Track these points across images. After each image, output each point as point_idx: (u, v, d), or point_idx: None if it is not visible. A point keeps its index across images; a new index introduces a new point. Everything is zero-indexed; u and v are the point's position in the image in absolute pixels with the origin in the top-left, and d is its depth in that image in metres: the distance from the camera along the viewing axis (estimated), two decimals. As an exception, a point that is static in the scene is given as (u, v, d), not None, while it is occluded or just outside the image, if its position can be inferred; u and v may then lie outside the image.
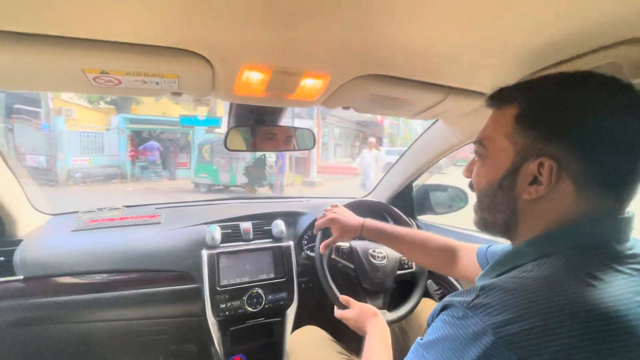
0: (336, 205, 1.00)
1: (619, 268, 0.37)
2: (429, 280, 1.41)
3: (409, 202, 1.58)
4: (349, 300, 0.89)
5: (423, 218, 1.58)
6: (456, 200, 1.58)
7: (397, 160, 1.48)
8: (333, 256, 1.05)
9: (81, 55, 0.51)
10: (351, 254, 1.06)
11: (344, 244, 1.09)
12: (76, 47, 0.50)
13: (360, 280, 1.02)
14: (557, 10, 0.46)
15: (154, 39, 0.51)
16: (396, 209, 1.20)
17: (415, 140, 1.35)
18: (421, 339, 0.43)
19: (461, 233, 1.35)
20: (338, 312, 0.88)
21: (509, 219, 0.47)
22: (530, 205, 0.44)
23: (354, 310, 0.85)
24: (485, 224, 0.51)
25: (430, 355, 0.39)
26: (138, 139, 10.39)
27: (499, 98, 0.48)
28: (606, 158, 0.39)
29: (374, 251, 1.06)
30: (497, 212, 0.48)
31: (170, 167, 10.65)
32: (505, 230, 0.49)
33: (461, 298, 0.39)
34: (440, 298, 1.36)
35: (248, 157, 8.36)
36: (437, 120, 1.19)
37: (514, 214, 0.46)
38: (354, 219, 0.94)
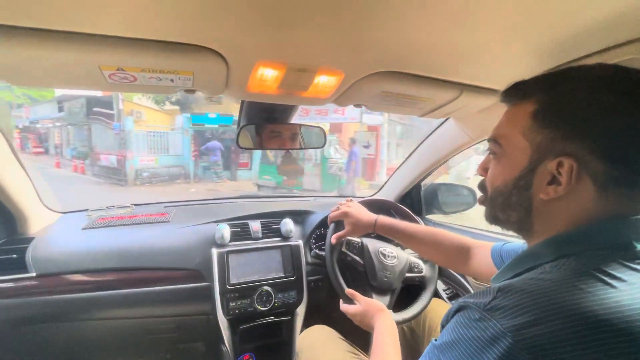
0: (351, 200, 1.00)
1: None
2: (439, 280, 1.40)
3: (417, 201, 1.57)
4: (355, 294, 0.88)
5: (432, 217, 1.57)
6: (465, 199, 1.57)
7: (406, 159, 1.47)
8: (343, 249, 1.05)
9: (99, 52, 0.51)
10: (362, 249, 1.06)
11: (356, 239, 1.08)
12: (94, 43, 0.50)
13: (368, 276, 1.01)
14: (576, 4, 0.45)
15: (171, 35, 0.51)
16: (405, 208, 1.20)
17: (425, 138, 1.34)
18: (435, 340, 0.42)
19: (471, 232, 1.34)
20: (343, 306, 0.87)
21: (523, 218, 0.45)
22: (546, 205, 0.43)
23: (360, 305, 0.84)
24: (496, 219, 0.50)
25: (446, 358, 0.38)
26: (201, 139, 10.20)
27: (515, 93, 0.47)
28: (628, 158, 0.38)
29: (384, 250, 1.06)
30: (511, 211, 0.47)
31: (231, 168, 10.31)
32: (519, 228, 0.48)
33: (477, 300, 0.38)
34: (450, 298, 1.35)
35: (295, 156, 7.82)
36: (446, 119, 1.18)
37: (529, 214, 0.45)
38: (367, 214, 0.94)
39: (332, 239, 0.97)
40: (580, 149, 0.39)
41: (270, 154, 7.65)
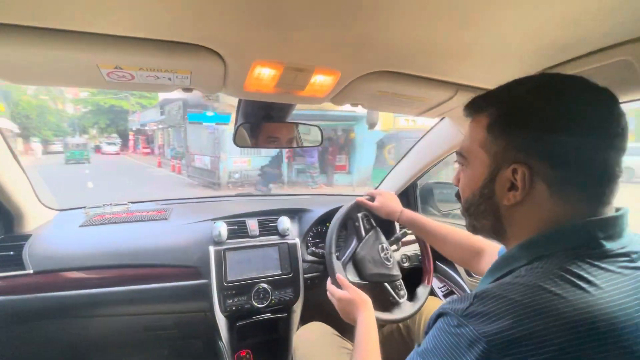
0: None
1: (610, 268, 0.37)
2: (434, 278, 1.42)
3: (413, 199, 1.58)
4: (344, 282, 0.88)
5: (428, 217, 1.58)
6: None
7: (402, 158, 1.48)
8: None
9: (97, 51, 0.52)
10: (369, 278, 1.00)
11: (367, 225, 1.05)
12: (92, 42, 0.50)
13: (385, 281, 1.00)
14: (569, 8, 0.46)
15: (169, 35, 0.52)
16: None
17: (420, 138, 1.35)
18: (418, 346, 0.44)
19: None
20: (331, 287, 0.88)
21: (495, 224, 0.48)
22: (512, 210, 0.45)
23: (347, 293, 0.84)
24: (474, 228, 0.52)
25: None
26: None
27: (472, 107, 0.49)
28: (576, 162, 0.40)
29: (385, 254, 1.02)
30: (483, 219, 0.49)
31: (327, 171, 9.47)
32: (495, 234, 0.50)
33: (455, 306, 0.40)
34: (445, 295, 1.36)
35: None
36: (442, 118, 1.19)
37: (499, 220, 0.47)
38: (396, 202, 1.01)
39: (358, 199, 1.02)
40: (529, 156, 0.41)
41: (389, 155, 6.89)
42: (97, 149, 24.76)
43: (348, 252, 1.03)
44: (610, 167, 0.40)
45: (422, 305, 1.02)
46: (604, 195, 0.41)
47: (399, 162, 1.52)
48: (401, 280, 1.04)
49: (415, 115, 1.00)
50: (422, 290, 1.04)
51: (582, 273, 0.37)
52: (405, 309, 0.99)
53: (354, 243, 1.01)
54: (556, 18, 0.49)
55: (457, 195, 0.55)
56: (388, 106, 0.89)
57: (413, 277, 1.10)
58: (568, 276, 0.36)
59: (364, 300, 0.81)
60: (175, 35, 0.52)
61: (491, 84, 0.78)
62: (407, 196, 1.57)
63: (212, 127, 9.26)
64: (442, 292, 1.37)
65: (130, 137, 23.92)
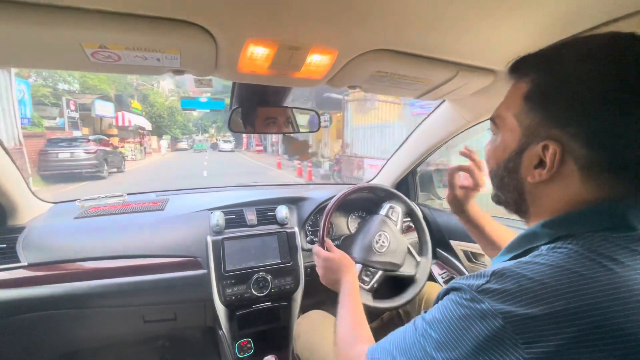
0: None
1: None
2: (434, 264, 1.41)
3: (413, 186, 1.57)
4: (331, 246, 0.89)
5: (429, 203, 1.57)
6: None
7: (402, 144, 1.46)
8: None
9: (79, 27, 0.49)
10: (370, 268, 0.99)
11: (359, 268, 0.99)
12: (74, 17, 0.47)
13: (391, 269, 1.00)
14: None
15: (155, 9, 0.49)
16: (400, 194, 1.19)
17: (420, 123, 1.33)
18: (424, 312, 0.43)
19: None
20: (317, 248, 0.89)
21: (518, 199, 0.46)
22: (536, 188, 0.42)
23: (333, 254, 0.84)
24: (498, 200, 0.50)
25: (435, 332, 0.39)
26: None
27: (516, 70, 0.45)
28: (611, 145, 0.36)
29: (376, 243, 1.01)
30: (507, 192, 0.47)
31: None
32: (517, 210, 0.48)
33: (470, 282, 0.38)
34: (446, 282, 1.36)
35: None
36: (442, 102, 1.17)
37: (522, 196, 0.45)
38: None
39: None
40: (564, 134, 0.38)
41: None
42: (214, 147, 27.30)
43: (341, 235, 1.04)
44: None
45: (420, 290, 1.01)
46: (638, 181, 0.37)
47: (397, 149, 1.49)
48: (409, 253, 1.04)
49: (415, 98, 0.97)
50: (420, 272, 1.04)
51: (612, 254, 0.34)
52: (404, 294, 0.99)
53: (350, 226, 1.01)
54: None
55: (488, 162, 0.51)
56: (387, 88, 0.86)
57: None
58: (596, 257, 0.34)
59: (351, 263, 0.81)
60: (162, 10, 0.49)
61: (492, 64, 0.76)
62: (407, 183, 1.56)
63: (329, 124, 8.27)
64: (443, 278, 1.37)
65: (243, 135, 24.46)
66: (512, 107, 0.44)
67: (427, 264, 1.05)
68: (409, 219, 1.14)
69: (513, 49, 0.66)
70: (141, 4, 0.47)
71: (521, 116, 0.42)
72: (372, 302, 0.93)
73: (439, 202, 1.57)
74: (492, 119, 0.48)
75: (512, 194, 0.46)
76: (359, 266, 0.98)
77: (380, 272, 0.98)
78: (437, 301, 0.43)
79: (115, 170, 10.40)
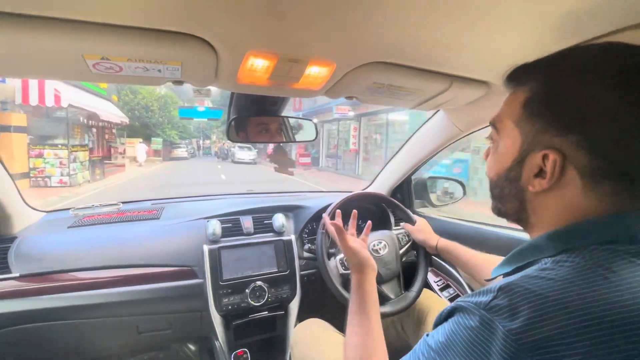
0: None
1: None
2: (429, 272, 1.42)
3: (408, 194, 1.58)
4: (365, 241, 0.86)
5: (423, 210, 1.59)
6: (454, 192, 1.59)
7: (397, 152, 1.48)
8: (342, 271, 1.02)
9: (82, 40, 0.49)
10: None
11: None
12: (77, 30, 0.48)
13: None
14: None
15: (158, 23, 0.50)
16: (396, 201, 1.20)
17: (415, 132, 1.35)
18: (428, 336, 0.41)
19: (460, 224, 1.36)
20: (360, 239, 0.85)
21: (519, 210, 0.45)
22: (537, 197, 0.42)
23: (364, 248, 0.79)
24: (499, 211, 0.49)
25: None
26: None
27: (515, 78, 0.45)
28: (616, 154, 0.36)
29: (374, 246, 1.06)
30: (508, 203, 0.46)
31: None
32: (518, 220, 0.47)
33: (476, 299, 0.37)
34: (441, 289, 1.37)
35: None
36: (437, 112, 1.19)
37: (523, 206, 0.44)
38: (433, 236, 1.06)
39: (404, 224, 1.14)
40: (566, 143, 0.37)
41: None
42: (222, 156, 20.16)
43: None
44: None
45: (417, 297, 1.03)
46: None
47: (392, 157, 1.51)
48: (397, 278, 1.05)
49: (410, 108, 1.00)
50: (416, 283, 1.06)
51: (617, 269, 0.34)
52: (398, 301, 1.00)
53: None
54: (551, 3, 0.47)
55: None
56: (383, 98, 0.88)
57: (407, 270, 1.10)
58: (602, 271, 0.34)
59: (374, 266, 0.76)
60: (165, 23, 0.50)
61: (485, 76, 0.79)
62: (402, 191, 1.57)
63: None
64: (438, 285, 1.37)
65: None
66: (511, 114, 0.44)
67: (408, 299, 1.01)
68: (414, 251, 1.15)
69: (505, 62, 0.68)
70: (144, 18, 0.48)
71: (521, 123, 0.42)
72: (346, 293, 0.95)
73: (434, 210, 1.59)
74: (493, 123, 0.47)
75: (512, 204, 0.45)
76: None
77: None
78: (440, 321, 0.41)
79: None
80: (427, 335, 0.41)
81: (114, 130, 12.31)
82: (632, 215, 0.37)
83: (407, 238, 1.12)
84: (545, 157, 0.39)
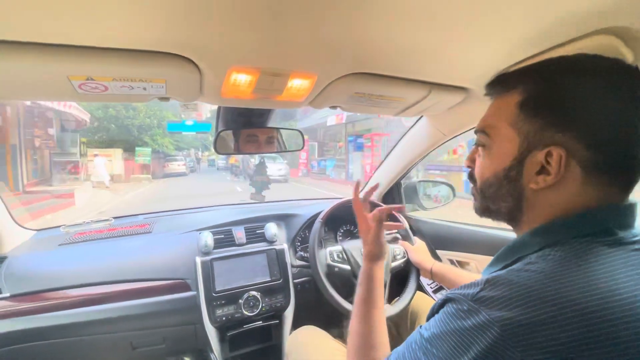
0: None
1: (625, 255, 0.37)
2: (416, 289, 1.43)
3: (398, 199, 1.60)
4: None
5: (414, 214, 1.61)
6: (444, 194, 1.61)
7: (385, 158, 1.50)
8: (328, 261, 1.08)
9: (67, 62, 0.51)
10: (346, 256, 1.09)
11: (337, 247, 1.11)
12: (62, 54, 0.49)
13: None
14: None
15: (141, 44, 0.52)
16: (396, 214, 1.22)
17: (402, 137, 1.38)
18: (421, 327, 0.43)
19: (451, 226, 1.38)
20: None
21: (514, 208, 0.46)
22: (537, 194, 0.43)
23: (380, 237, 0.76)
24: (486, 210, 0.50)
25: (435, 349, 0.39)
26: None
27: (500, 85, 0.47)
28: (614, 146, 0.38)
29: None
30: (501, 202, 0.47)
31: None
32: (509, 219, 0.48)
33: (465, 291, 0.39)
34: (435, 291, 1.38)
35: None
36: (420, 117, 1.22)
37: (519, 204, 0.45)
38: (429, 259, 1.06)
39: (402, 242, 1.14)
40: (568, 138, 0.39)
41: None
42: (234, 171, 14.61)
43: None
44: None
45: (410, 301, 1.04)
46: (630, 182, 0.40)
47: (381, 162, 1.54)
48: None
49: (393, 116, 1.02)
50: (409, 285, 1.07)
51: (597, 259, 0.36)
52: (392, 307, 1.01)
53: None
54: (525, 13, 0.49)
55: (470, 177, 0.52)
56: (366, 107, 0.90)
57: (399, 274, 1.12)
58: (582, 263, 0.36)
59: (384, 254, 0.76)
60: (147, 44, 0.52)
61: (462, 82, 0.81)
62: (392, 195, 1.59)
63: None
64: (432, 288, 1.39)
65: (300, 153, 13.10)
66: (505, 117, 0.44)
67: (389, 312, 0.99)
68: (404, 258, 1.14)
69: (481, 68, 0.71)
70: (128, 40, 0.50)
71: (518, 124, 0.43)
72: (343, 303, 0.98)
73: (425, 213, 1.61)
74: (482, 131, 0.48)
75: (507, 203, 0.46)
76: (338, 247, 1.10)
77: (348, 267, 1.05)
78: (432, 314, 0.43)
79: None
80: (421, 327, 0.43)
81: (65, 135, 7.85)
82: (612, 208, 0.40)
83: (402, 254, 1.13)
84: (548, 154, 0.40)
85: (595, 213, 0.40)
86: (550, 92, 0.41)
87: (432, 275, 1.00)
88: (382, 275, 0.72)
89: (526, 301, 0.34)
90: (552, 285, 0.35)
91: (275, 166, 11.99)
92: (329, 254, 1.09)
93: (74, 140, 9.69)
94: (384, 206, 0.77)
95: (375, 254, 0.74)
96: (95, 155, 10.56)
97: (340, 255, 1.09)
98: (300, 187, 11.63)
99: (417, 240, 1.16)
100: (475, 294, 0.37)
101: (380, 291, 0.69)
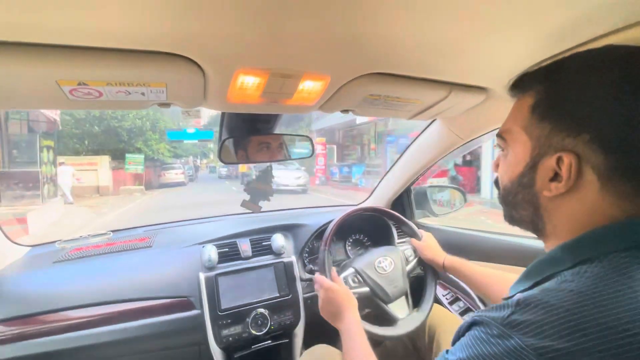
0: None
1: None
2: (438, 285, 1.37)
3: (408, 204, 1.55)
4: (336, 277, 0.89)
5: (425, 220, 1.55)
6: (455, 200, 1.56)
7: (394, 164, 1.45)
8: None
9: (55, 65, 0.45)
10: (361, 277, 0.99)
11: (350, 272, 1.00)
12: (49, 55, 0.44)
13: (381, 298, 0.96)
14: None
15: (139, 44, 0.46)
16: (397, 213, 1.16)
17: (412, 142, 1.33)
18: (447, 352, 0.40)
19: (462, 233, 1.33)
20: (319, 277, 0.88)
21: (534, 217, 0.44)
22: (553, 202, 0.41)
23: (338, 286, 0.84)
24: (512, 219, 0.48)
25: None
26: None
27: (519, 86, 0.46)
28: (629, 148, 0.35)
29: (379, 264, 1.00)
30: (521, 210, 0.45)
31: None
32: (533, 228, 0.46)
33: (494, 314, 0.36)
34: (450, 303, 1.32)
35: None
36: (433, 120, 1.17)
37: (538, 212, 0.43)
38: (440, 253, 1.03)
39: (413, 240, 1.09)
40: (579, 143, 0.37)
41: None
42: (244, 182, 10.25)
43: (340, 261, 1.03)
44: None
45: (427, 316, 0.98)
46: None
47: (391, 168, 1.48)
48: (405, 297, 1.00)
49: (407, 119, 0.97)
50: (425, 300, 1.01)
51: (638, 276, 0.33)
52: (408, 322, 0.95)
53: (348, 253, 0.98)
54: (551, 7, 0.45)
55: (496, 183, 0.51)
56: (380, 110, 0.85)
57: (415, 285, 1.06)
58: (624, 280, 0.33)
59: (354, 302, 0.80)
60: (145, 43, 0.46)
61: (484, 82, 0.76)
62: (402, 201, 1.54)
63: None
64: (447, 299, 1.32)
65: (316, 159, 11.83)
66: (519, 120, 0.43)
67: (416, 320, 0.96)
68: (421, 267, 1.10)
69: (504, 67, 0.67)
70: (124, 39, 0.45)
71: (530, 128, 0.42)
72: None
73: (437, 219, 1.55)
74: (500, 135, 0.47)
75: (526, 211, 0.44)
76: (351, 270, 0.99)
77: (367, 289, 0.96)
78: (458, 337, 0.40)
79: None
80: (447, 352, 0.40)
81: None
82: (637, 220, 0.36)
83: (413, 254, 1.08)
84: (559, 160, 0.38)
85: (627, 226, 0.36)
86: (560, 95, 0.39)
87: (444, 268, 0.97)
88: (357, 324, 0.75)
89: (565, 327, 0.31)
90: (593, 306, 0.31)
91: (292, 174, 9.97)
92: (344, 281, 0.98)
93: (31, 143, 7.03)
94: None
95: (334, 313, 0.79)
96: (61, 163, 8.83)
97: (356, 279, 0.98)
98: (324, 198, 9.52)
99: (423, 232, 1.11)
100: (506, 317, 0.34)
101: (363, 343, 0.70)
